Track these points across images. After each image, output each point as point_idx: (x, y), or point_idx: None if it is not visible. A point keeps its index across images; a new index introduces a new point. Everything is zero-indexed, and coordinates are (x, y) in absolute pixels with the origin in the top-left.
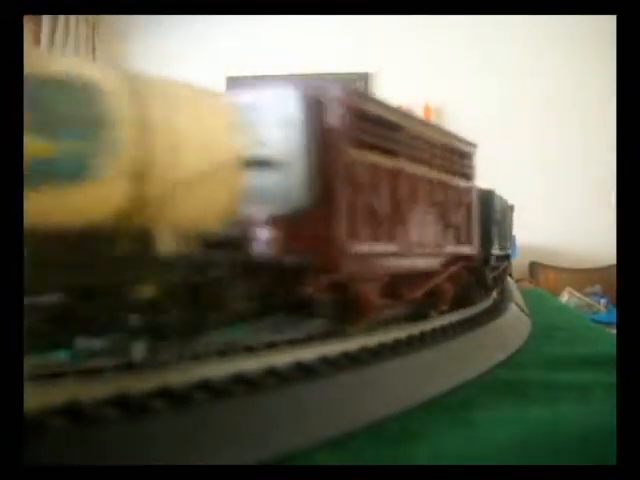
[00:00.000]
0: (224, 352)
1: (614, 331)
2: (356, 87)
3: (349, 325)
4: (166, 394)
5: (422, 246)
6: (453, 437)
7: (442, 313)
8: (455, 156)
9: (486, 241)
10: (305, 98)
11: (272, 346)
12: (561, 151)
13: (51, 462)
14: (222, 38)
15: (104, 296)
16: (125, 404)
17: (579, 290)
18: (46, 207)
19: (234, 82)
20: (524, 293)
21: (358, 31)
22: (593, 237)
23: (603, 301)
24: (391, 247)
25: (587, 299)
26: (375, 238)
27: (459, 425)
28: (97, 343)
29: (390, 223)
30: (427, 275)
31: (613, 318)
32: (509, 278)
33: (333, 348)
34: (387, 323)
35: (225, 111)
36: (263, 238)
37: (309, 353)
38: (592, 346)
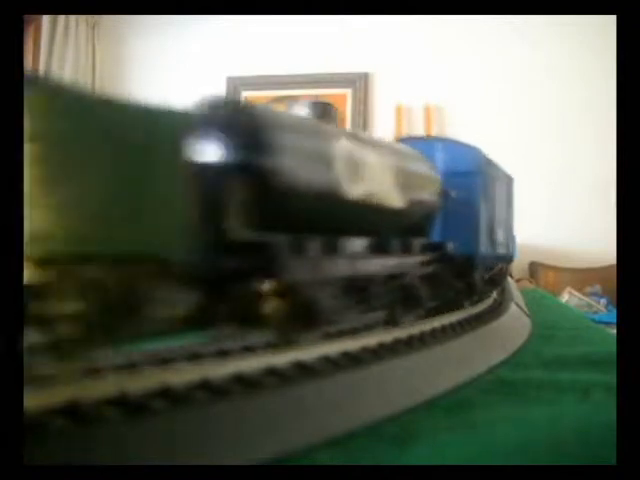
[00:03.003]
0: (225, 352)
1: (614, 331)
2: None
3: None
4: (166, 394)
5: None
6: (453, 437)
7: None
8: None
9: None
10: None
11: (272, 346)
12: (561, 151)
13: (51, 462)
14: (222, 38)
15: None
16: (125, 404)
17: (579, 290)
18: None
19: (234, 82)
20: (524, 293)
21: (358, 31)
22: (593, 237)
23: (603, 301)
24: None
25: (587, 299)
26: None
27: (459, 425)
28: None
29: None
30: None
31: (613, 318)
32: (509, 278)
33: (333, 348)
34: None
35: None
36: None
37: (309, 353)
38: (592, 346)
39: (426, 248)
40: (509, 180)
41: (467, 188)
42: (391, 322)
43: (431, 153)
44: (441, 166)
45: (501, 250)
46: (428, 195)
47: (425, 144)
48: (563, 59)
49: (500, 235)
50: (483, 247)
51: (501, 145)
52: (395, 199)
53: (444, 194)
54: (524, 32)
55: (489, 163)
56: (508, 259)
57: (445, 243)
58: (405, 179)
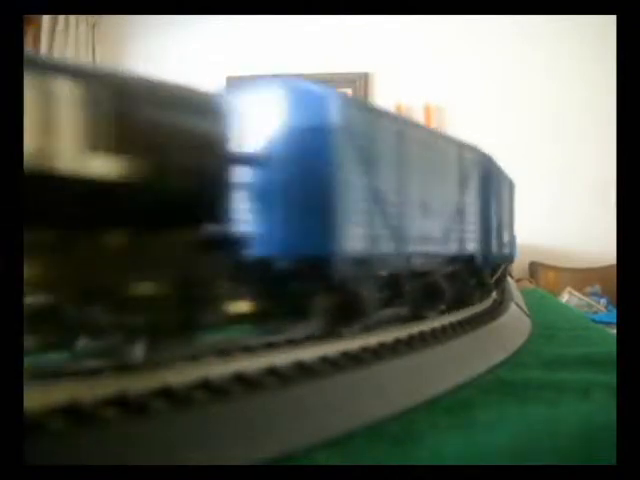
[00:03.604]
0: (224, 352)
1: (614, 331)
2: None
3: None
4: (166, 394)
5: None
6: (453, 437)
7: None
8: None
9: None
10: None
11: (272, 346)
12: (561, 151)
13: (51, 462)
14: (222, 38)
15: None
16: (125, 404)
17: (579, 290)
18: None
19: (234, 82)
20: (524, 293)
21: (358, 31)
22: (593, 237)
23: (603, 301)
24: None
25: (587, 299)
26: None
27: (459, 425)
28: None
29: None
30: None
31: (613, 318)
32: (509, 278)
33: (333, 348)
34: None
35: None
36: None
37: (309, 353)
38: (592, 346)
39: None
40: (473, 155)
41: (314, 151)
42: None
43: (262, 101)
44: (276, 119)
45: (443, 247)
46: (193, 159)
47: (257, 88)
48: (563, 59)
49: (435, 226)
50: (357, 243)
51: (501, 145)
52: (85, 163)
53: (245, 160)
54: (524, 32)
55: (371, 114)
56: (473, 260)
57: (241, 237)
58: (118, 131)
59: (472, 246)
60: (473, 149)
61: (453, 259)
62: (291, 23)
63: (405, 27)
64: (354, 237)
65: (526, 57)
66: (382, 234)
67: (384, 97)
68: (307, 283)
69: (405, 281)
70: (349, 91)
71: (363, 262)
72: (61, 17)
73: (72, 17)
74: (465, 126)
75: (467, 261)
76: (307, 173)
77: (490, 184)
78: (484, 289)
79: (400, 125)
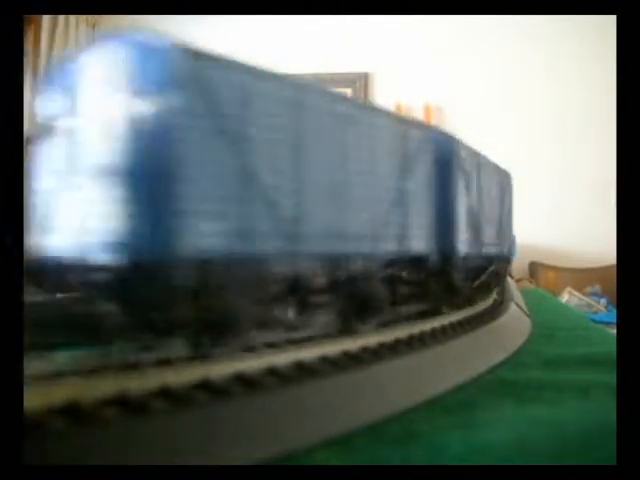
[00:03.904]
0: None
1: (614, 331)
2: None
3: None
4: (166, 394)
5: None
6: (453, 437)
7: None
8: None
9: None
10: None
11: (272, 346)
12: (561, 151)
13: (51, 462)
14: (222, 38)
15: None
16: (125, 404)
17: (579, 290)
18: None
19: None
20: (524, 293)
21: (357, 31)
22: (593, 237)
23: (603, 301)
24: None
25: (587, 299)
26: None
27: (459, 425)
28: None
29: None
30: None
31: (613, 318)
32: (509, 278)
33: (333, 348)
34: None
35: None
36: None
37: (309, 353)
38: (592, 346)
39: None
40: (425, 134)
41: (145, 122)
42: None
43: (85, 62)
44: (94, 82)
45: (370, 246)
46: None
47: (84, 49)
48: (563, 59)
49: (357, 220)
50: (216, 240)
51: (501, 145)
52: None
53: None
54: (524, 32)
55: (244, 74)
56: (426, 261)
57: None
58: None
59: (422, 244)
60: (425, 128)
61: (391, 261)
62: (291, 23)
63: (405, 27)
64: (209, 233)
65: (526, 57)
66: (262, 229)
67: (384, 97)
68: (143, 294)
69: (313, 289)
70: (349, 91)
71: (232, 265)
72: (61, 17)
73: (72, 17)
74: (465, 126)
75: (416, 263)
76: (136, 151)
77: (456, 171)
78: (455, 295)
79: (298, 91)
